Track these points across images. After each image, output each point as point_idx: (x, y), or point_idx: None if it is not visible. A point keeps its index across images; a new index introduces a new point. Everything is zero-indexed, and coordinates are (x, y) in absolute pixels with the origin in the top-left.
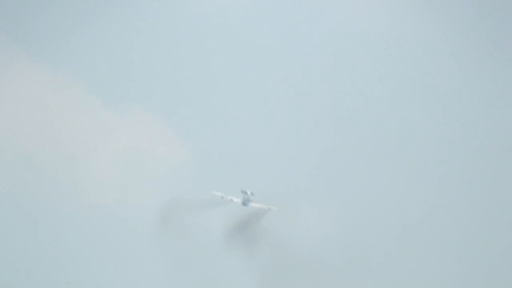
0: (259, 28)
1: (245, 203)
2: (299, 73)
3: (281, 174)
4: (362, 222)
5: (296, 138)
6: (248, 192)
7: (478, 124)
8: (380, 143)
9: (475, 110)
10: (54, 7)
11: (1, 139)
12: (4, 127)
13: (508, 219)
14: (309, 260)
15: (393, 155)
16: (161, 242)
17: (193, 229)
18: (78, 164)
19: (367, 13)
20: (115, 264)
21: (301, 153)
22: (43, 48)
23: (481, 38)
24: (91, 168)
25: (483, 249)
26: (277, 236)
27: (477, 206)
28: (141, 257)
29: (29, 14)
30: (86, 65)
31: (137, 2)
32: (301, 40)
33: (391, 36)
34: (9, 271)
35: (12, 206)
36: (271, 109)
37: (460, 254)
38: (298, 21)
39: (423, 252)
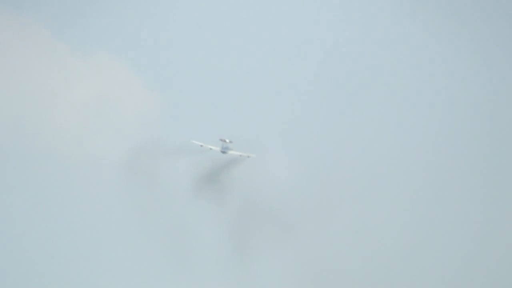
0: None
1: (224, 151)
2: (278, 16)
3: (250, 122)
4: (331, 170)
5: (269, 84)
6: (227, 140)
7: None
8: (356, 93)
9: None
10: None
11: None
12: None
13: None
14: (278, 208)
15: (366, 106)
16: (129, 189)
17: (162, 177)
18: (45, 110)
19: None
20: (81, 211)
21: (273, 99)
22: None
23: None
24: (58, 114)
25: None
26: (246, 185)
27: (453, 153)
28: (108, 204)
29: None
30: (54, 11)
31: None
32: None
33: None
34: None
35: None
36: (244, 55)
37: (430, 203)
38: None
39: (392, 199)
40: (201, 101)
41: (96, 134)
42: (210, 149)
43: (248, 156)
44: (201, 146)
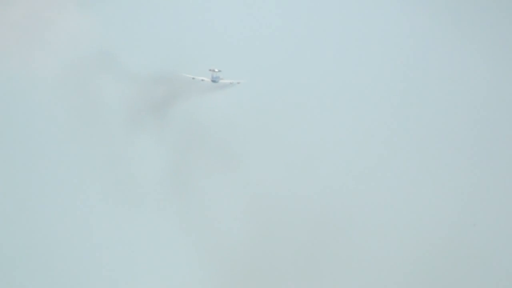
0: None
1: (215, 80)
2: None
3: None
4: (282, 98)
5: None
6: (216, 70)
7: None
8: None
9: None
10: None
11: None
12: None
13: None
14: (225, 138)
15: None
16: (64, 110)
17: (102, 101)
18: None
19: None
20: (11, 136)
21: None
22: None
23: None
24: None
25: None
26: (190, 114)
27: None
28: (41, 128)
29: None
30: None
31: None
32: None
33: None
34: None
35: None
36: None
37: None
38: None
39: (347, 130)
40: (135, 20)
41: (29, 55)
42: (202, 80)
43: (238, 83)
44: (193, 78)
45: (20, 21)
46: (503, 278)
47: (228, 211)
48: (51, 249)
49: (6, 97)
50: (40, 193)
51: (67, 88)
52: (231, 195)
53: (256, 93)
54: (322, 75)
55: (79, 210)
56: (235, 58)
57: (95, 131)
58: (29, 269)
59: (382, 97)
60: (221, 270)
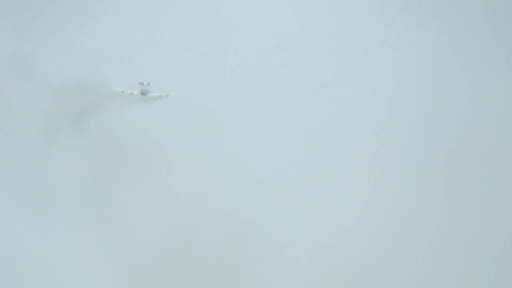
0: None
1: (143, 93)
2: None
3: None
4: (210, 106)
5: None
6: (145, 83)
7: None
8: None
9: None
10: None
11: None
12: None
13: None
14: (144, 146)
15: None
16: None
17: (16, 112)
18: None
19: None
20: None
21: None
22: None
23: None
24: None
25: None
26: (112, 122)
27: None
28: None
29: None
30: None
31: None
32: None
33: None
34: None
35: None
36: None
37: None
38: None
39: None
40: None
41: None
42: (131, 93)
43: (167, 96)
44: (122, 92)
45: None
46: None
47: (148, 223)
48: None
49: None
50: None
51: None
52: (152, 207)
53: (181, 105)
54: (250, 88)
55: None
56: (163, 71)
57: (8, 140)
58: None
59: (321, 106)
60: (140, 284)
